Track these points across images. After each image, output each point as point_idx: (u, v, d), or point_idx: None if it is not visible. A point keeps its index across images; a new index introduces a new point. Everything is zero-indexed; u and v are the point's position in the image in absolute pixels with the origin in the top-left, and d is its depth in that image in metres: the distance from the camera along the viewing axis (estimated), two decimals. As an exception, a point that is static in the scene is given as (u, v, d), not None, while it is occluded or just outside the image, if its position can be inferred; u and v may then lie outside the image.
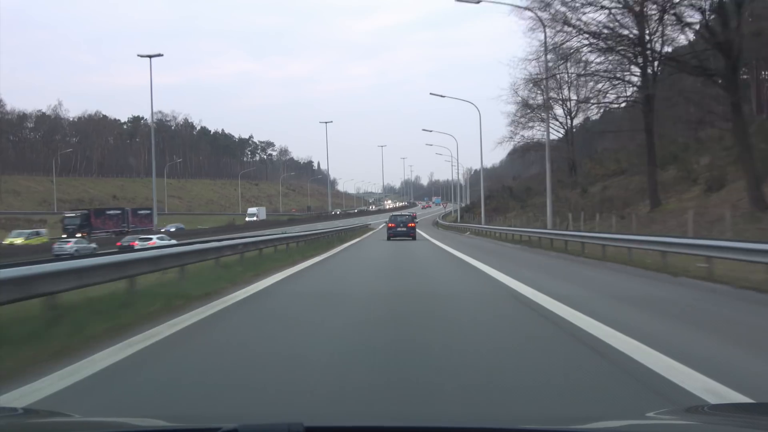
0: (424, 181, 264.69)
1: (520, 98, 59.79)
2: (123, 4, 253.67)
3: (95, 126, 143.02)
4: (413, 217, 42.67)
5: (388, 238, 38.40)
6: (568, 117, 60.97)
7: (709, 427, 2.34)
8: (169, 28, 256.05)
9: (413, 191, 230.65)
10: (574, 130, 64.80)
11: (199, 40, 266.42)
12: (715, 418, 2.60)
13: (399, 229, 39.10)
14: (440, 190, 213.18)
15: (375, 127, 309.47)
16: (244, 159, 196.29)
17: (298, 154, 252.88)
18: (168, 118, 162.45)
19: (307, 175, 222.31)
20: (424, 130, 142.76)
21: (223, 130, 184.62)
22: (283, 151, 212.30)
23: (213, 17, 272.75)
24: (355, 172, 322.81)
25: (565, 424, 2.49)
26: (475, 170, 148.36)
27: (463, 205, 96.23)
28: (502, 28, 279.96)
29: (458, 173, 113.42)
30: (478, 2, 29.61)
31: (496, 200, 75.81)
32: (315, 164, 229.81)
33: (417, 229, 41.15)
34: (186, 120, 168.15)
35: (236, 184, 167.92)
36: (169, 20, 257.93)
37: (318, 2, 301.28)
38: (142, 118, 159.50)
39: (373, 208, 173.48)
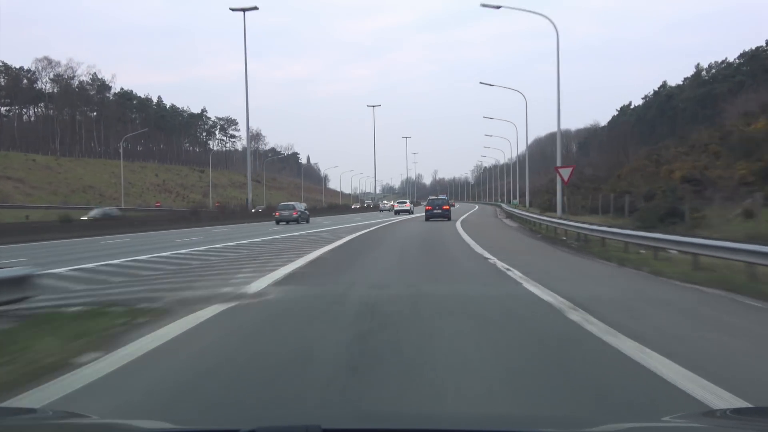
0: (427, 180, 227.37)
1: None
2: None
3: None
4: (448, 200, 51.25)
5: (426, 219, 42.54)
6: None
7: (725, 431, 2.35)
8: (166, 26, 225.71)
9: (416, 190, 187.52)
10: None
11: (201, 39, 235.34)
12: (730, 422, 2.60)
13: (435, 211, 43.75)
14: (446, 188, 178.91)
15: (378, 127, 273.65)
16: (214, 146, 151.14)
17: (279, 142, 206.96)
18: (63, 71, 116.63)
19: (289, 168, 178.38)
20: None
21: (159, 98, 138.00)
22: (256, 136, 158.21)
23: (212, 16, 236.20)
24: (354, 173, 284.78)
25: (581, 427, 2.48)
26: (485, 168, 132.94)
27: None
28: (504, 29, 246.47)
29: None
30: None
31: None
32: (303, 158, 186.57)
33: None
34: (95, 76, 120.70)
35: (165, 168, 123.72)
36: (166, 18, 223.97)
37: (319, 2, 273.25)
38: (31, 72, 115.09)
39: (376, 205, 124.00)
